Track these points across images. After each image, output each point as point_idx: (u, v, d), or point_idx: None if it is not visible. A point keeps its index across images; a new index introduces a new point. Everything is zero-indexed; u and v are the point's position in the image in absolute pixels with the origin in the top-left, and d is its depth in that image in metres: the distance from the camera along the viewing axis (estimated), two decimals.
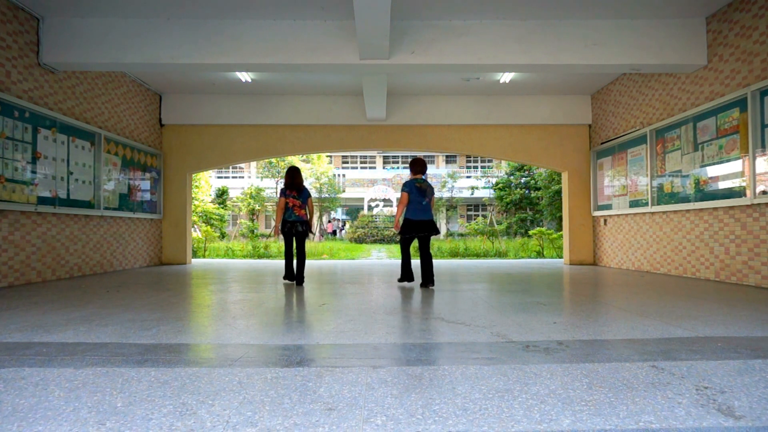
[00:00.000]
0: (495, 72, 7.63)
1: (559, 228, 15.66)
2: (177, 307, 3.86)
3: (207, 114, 9.10)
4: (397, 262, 10.53)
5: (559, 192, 16.04)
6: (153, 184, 8.77)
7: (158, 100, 9.02)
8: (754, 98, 5.11)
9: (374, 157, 33.45)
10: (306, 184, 24.77)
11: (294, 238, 5.61)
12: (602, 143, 8.67)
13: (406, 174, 29.16)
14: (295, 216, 5.51)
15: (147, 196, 8.54)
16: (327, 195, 25.38)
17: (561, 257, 11.43)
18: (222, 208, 19.87)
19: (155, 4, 5.62)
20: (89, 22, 5.93)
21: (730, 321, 3.14)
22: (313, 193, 25.33)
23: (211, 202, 19.85)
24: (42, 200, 5.77)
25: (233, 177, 30.28)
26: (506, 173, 23.10)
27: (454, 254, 12.85)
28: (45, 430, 1.44)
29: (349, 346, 2.51)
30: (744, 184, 5.26)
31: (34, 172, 5.65)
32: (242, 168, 30.55)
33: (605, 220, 8.65)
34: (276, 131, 9.24)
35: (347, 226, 29.97)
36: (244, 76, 7.91)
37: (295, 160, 22.60)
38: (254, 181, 26.03)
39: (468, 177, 29.44)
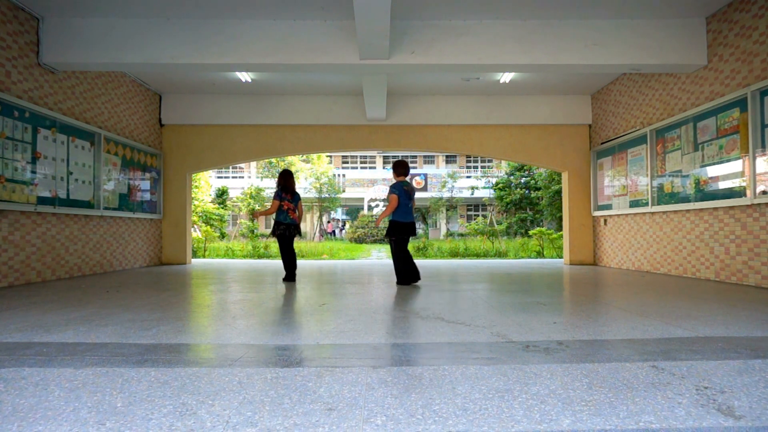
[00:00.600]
0: (495, 72, 7.63)
1: (559, 228, 15.66)
2: (177, 307, 3.86)
3: (207, 114, 9.10)
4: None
5: (559, 192, 16.04)
6: (153, 184, 8.77)
7: (158, 100, 9.02)
8: (754, 98, 5.11)
9: (374, 157, 33.45)
10: (306, 183, 24.85)
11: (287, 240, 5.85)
12: (602, 143, 8.67)
13: None
14: (290, 219, 5.76)
15: (147, 196, 8.54)
16: (327, 195, 25.36)
17: (561, 257, 11.43)
18: (222, 208, 19.86)
19: (155, 4, 5.62)
20: (89, 22, 5.93)
21: (730, 321, 3.14)
22: (313, 193, 25.34)
23: (211, 202, 19.84)
24: (42, 200, 5.77)
25: (233, 177, 30.27)
26: (506, 173, 23.09)
27: (454, 254, 12.85)
28: (45, 430, 1.43)
29: (349, 346, 2.51)
30: (744, 184, 5.26)
31: (33, 172, 5.65)
32: (242, 168, 30.54)
33: (605, 220, 8.65)
34: (276, 131, 9.24)
35: (347, 226, 29.97)
36: (244, 76, 7.91)
37: (295, 160, 22.60)
38: (254, 181, 26.02)
39: (468, 177, 29.43)
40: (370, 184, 29.68)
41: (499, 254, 12.83)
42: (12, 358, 2.26)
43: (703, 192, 5.94)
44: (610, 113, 8.44)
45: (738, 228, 5.43)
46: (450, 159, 32.87)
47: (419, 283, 5.61)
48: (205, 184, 17.60)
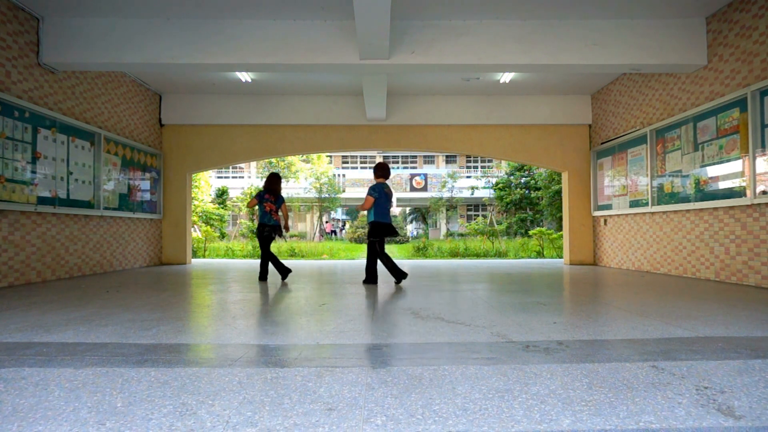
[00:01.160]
0: (495, 72, 7.63)
1: (559, 228, 15.65)
2: (177, 307, 3.86)
3: (207, 114, 9.10)
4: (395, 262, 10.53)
5: (559, 192, 16.04)
6: (153, 184, 8.77)
7: (158, 100, 9.02)
8: (754, 98, 5.11)
9: (374, 157, 33.41)
10: (306, 183, 24.84)
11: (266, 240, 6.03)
12: (602, 143, 8.67)
13: (406, 174, 29.19)
14: (274, 221, 5.95)
15: (147, 196, 8.54)
16: (327, 195, 25.36)
17: (561, 257, 11.43)
18: (222, 208, 19.85)
19: (155, 4, 5.62)
20: (89, 22, 5.93)
21: (730, 321, 3.14)
22: (313, 193, 25.33)
23: (211, 202, 19.84)
24: (42, 200, 5.77)
25: (233, 177, 30.26)
26: (506, 173, 23.07)
27: (454, 254, 12.85)
28: (45, 430, 1.44)
29: (349, 346, 2.51)
30: (744, 184, 5.26)
31: (34, 172, 5.65)
32: (242, 168, 30.53)
33: (605, 220, 8.65)
34: (276, 131, 9.24)
35: (347, 226, 29.96)
36: (244, 76, 7.91)
37: (295, 160, 22.60)
38: (254, 181, 26.01)
39: (468, 177, 29.41)
40: (370, 184, 29.66)
41: (499, 254, 12.83)
42: (12, 358, 2.26)
43: (703, 192, 5.94)
44: (610, 113, 8.44)
45: (738, 228, 5.43)
46: (450, 159, 32.86)
47: (403, 282, 5.61)
48: (205, 184, 17.59)
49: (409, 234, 29.25)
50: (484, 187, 25.09)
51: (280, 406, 1.62)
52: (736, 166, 5.39)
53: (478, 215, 28.41)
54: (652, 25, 5.99)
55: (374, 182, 5.55)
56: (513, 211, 22.62)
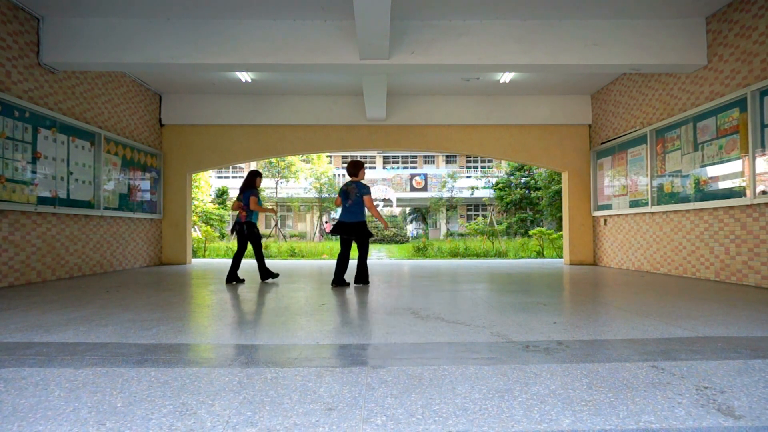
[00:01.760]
0: (495, 72, 7.63)
1: (559, 228, 15.66)
2: (177, 307, 3.86)
3: (207, 114, 9.10)
4: (394, 262, 10.54)
5: (559, 192, 16.04)
6: (153, 184, 8.77)
7: (158, 100, 9.02)
8: (754, 98, 5.11)
9: (374, 157, 33.44)
10: (306, 183, 24.81)
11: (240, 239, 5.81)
12: (602, 143, 8.67)
13: (406, 174, 29.18)
14: (238, 218, 5.78)
15: (147, 196, 8.54)
16: (327, 195, 25.37)
17: (561, 257, 11.43)
18: (222, 208, 19.86)
19: (155, 4, 5.62)
20: (89, 22, 5.93)
21: (730, 321, 3.14)
22: (313, 193, 25.33)
23: (211, 202, 19.84)
24: (42, 200, 5.77)
25: (233, 177, 30.26)
26: (506, 173, 23.09)
27: (454, 254, 12.85)
28: (45, 430, 1.44)
29: (350, 346, 2.51)
30: (744, 184, 5.26)
31: (34, 172, 5.65)
32: (242, 168, 30.51)
33: (605, 220, 8.65)
34: (276, 131, 9.24)
35: None
36: (244, 76, 7.91)
37: (295, 160, 22.61)
38: None
39: (468, 177, 29.41)
40: (369, 184, 29.64)
41: (499, 254, 12.83)
42: (12, 358, 2.26)
43: (703, 192, 5.94)
44: (610, 113, 8.44)
45: (738, 228, 5.43)
46: (450, 159, 32.86)
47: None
48: (205, 184, 17.60)
49: (409, 234, 29.24)
50: (484, 187, 25.10)
51: (280, 406, 1.62)
52: (735, 166, 5.39)
53: (478, 215, 28.41)
54: (652, 25, 5.99)
55: (360, 181, 5.39)
56: (513, 211, 22.62)
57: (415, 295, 4.62)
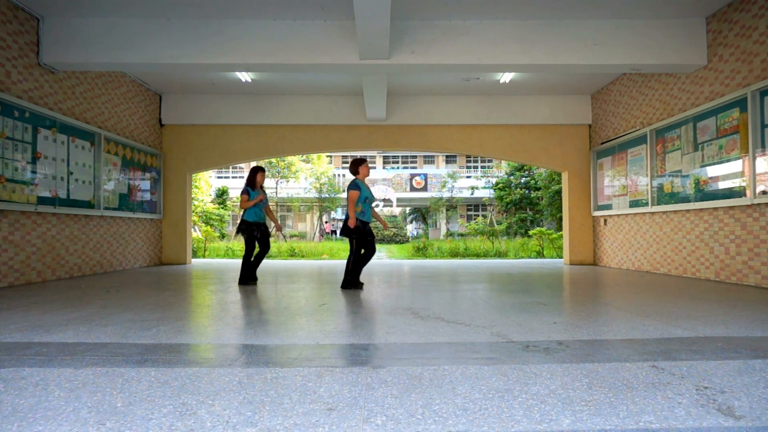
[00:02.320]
0: (495, 72, 7.63)
1: (559, 228, 15.65)
2: (177, 307, 3.86)
3: (207, 114, 9.10)
4: (394, 262, 10.54)
5: (559, 192, 16.04)
6: (153, 184, 8.77)
7: (158, 100, 9.02)
8: (754, 98, 5.11)
9: (374, 157, 33.43)
10: (306, 183, 24.84)
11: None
12: (602, 143, 8.67)
13: (406, 174, 29.18)
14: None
15: (147, 196, 8.54)
16: (327, 195, 25.38)
17: (561, 257, 11.43)
18: (222, 208, 19.86)
19: (155, 4, 5.62)
20: (89, 22, 5.93)
21: (730, 321, 3.14)
22: (313, 193, 25.33)
23: (211, 202, 19.84)
24: (42, 200, 5.77)
25: (233, 177, 30.26)
26: (506, 173, 23.08)
27: (454, 254, 12.85)
28: (45, 430, 1.44)
29: (349, 346, 2.51)
30: (744, 184, 5.26)
31: (34, 172, 5.65)
32: (242, 168, 30.51)
33: (605, 220, 8.65)
34: (276, 131, 9.24)
35: None
36: (244, 76, 7.90)
37: (295, 160, 22.60)
38: None
39: (468, 177, 29.41)
40: (370, 184, 29.67)
41: (499, 254, 12.83)
42: (12, 358, 2.26)
43: (703, 192, 5.94)
44: (610, 113, 8.44)
45: (738, 228, 5.43)
46: (450, 159, 32.85)
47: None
48: (205, 184, 17.59)
49: (409, 234, 29.24)
50: (484, 187, 25.10)
51: (280, 406, 1.62)
52: (736, 166, 5.39)
53: (478, 215, 28.40)
54: (652, 25, 5.99)
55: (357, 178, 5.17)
56: (513, 211, 22.62)
57: (415, 295, 4.62)
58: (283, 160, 22.06)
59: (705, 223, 5.98)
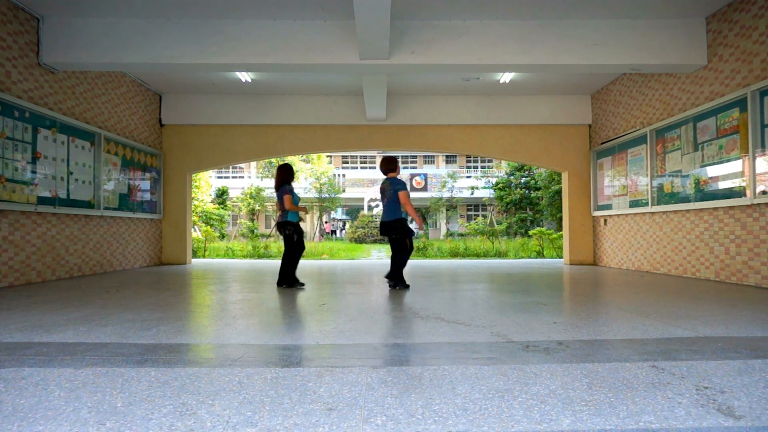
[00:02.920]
0: (495, 72, 7.63)
1: (559, 228, 15.66)
2: (177, 307, 3.86)
3: (207, 114, 9.10)
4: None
5: (559, 192, 16.04)
6: (153, 184, 8.77)
7: (158, 100, 9.02)
8: (754, 98, 5.11)
9: (374, 157, 33.43)
10: (306, 183, 24.84)
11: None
12: (602, 143, 8.67)
13: (406, 174, 29.18)
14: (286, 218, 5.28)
15: (147, 196, 8.54)
16: (327, 195, 25.38)
17: (561, 257, 11.43)
18: (222, 208, 19.86)
19: (155, 4, 5.62)
20: (89, 22, 5.93)
21: (730, 321, 3.14)
22: (313, 193, 25.34)
23: (211, 202, 19.84)
24: (42, 200, 5.77)
25: (233, 177, 30.27)
26: (506, 173, 23.09)
27: (454, 254, 12.85)
28: (45, 430, 1.44)
29: (349, 346, 2.51)
30: (744, 184, 5.26)
31: (34, 172, 5.65)
32: (242, 168, 30.54)
33: (605, 220, 8.65)
34: (276, 131, 9.24)
35: (347, 226, 29.95)
36: (244, 76, 7.90)
37: (295, 160, 22.59)
38: (254, 181, 26.02)
39: (468, 177, 29.43)
40: (370, 184, 29.67)
41: (499, 254, 12.82)
42: (12, 358, 2.26)
43: (703, 192, 5.94)
44: (610, 113, 8.44)
45: (738, 228, 5.43)
46: (450, 159, 32.87)
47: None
48: (205, 184, 17.60)
49: None
50: (484, 187, 25.11)
51: (280, 406, 1.62)
52: (736, 166, 5.39)
53: (478, 215, 28.41)
54: (652, 25, 5.99)
55: (394, 176, 5.14)
56: (513, 211, 22.64)
57: (415, 295, 4.62)
58: (283, 160, 22.06)
59: (705, 223, 5.98)
